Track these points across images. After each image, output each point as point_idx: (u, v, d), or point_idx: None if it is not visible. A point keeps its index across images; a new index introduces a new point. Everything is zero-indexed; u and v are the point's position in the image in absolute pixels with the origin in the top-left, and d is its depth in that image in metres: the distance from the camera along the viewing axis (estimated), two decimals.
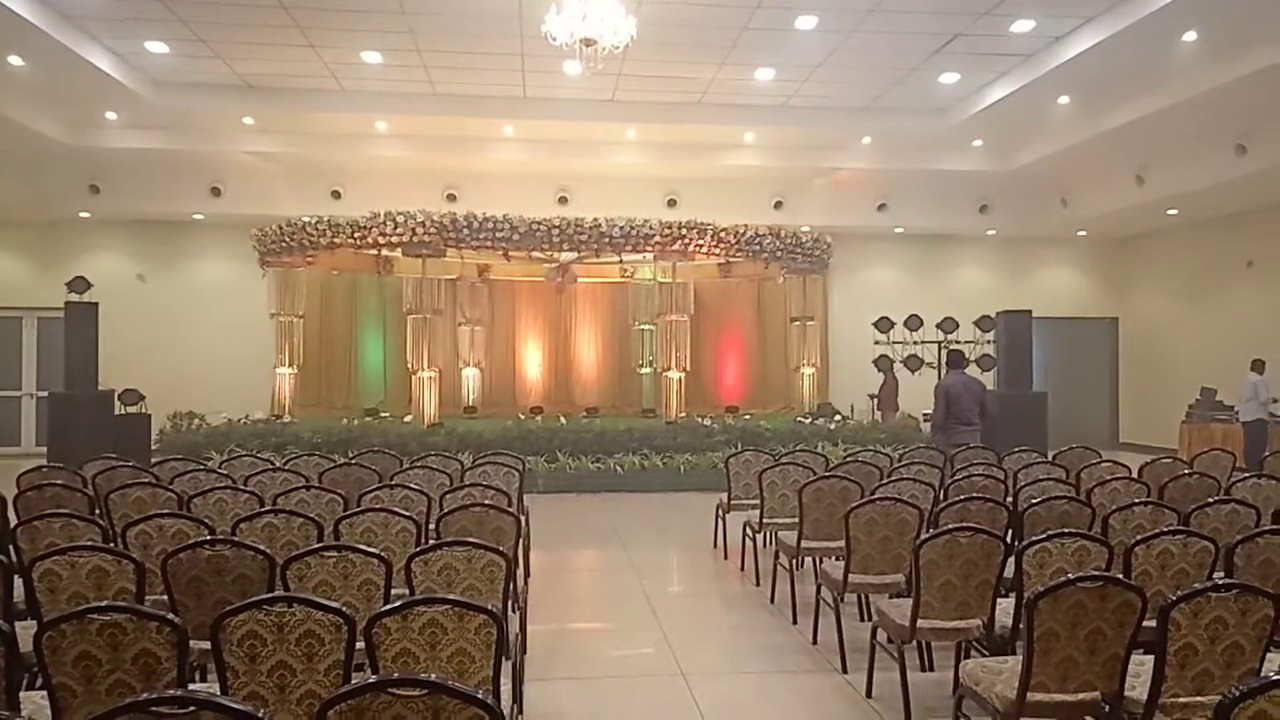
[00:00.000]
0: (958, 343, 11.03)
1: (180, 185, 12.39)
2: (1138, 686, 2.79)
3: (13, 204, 12.15)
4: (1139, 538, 3.36)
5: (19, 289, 13.40)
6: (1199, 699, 2.63)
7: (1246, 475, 5.24)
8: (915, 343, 11.90)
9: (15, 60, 8.72)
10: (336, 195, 12.70)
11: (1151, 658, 2.67)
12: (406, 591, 3.01)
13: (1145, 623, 2.77)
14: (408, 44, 9.13)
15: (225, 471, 5.71)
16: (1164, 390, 13.66)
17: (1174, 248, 14.03)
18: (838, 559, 4.53)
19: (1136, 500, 4.36)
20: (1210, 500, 4.30)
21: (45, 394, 11.86)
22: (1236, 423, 10.63)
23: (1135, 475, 5.41)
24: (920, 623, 3.52)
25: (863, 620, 4.80)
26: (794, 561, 5.33)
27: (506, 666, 2.85)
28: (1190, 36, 7.99)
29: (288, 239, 11.37)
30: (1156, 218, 13.12)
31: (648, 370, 13.85)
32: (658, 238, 11.22)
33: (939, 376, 10.56)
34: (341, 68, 9.90)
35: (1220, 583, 2.68)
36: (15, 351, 13.61)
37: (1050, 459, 6.56)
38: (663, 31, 8.54)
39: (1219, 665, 2.63)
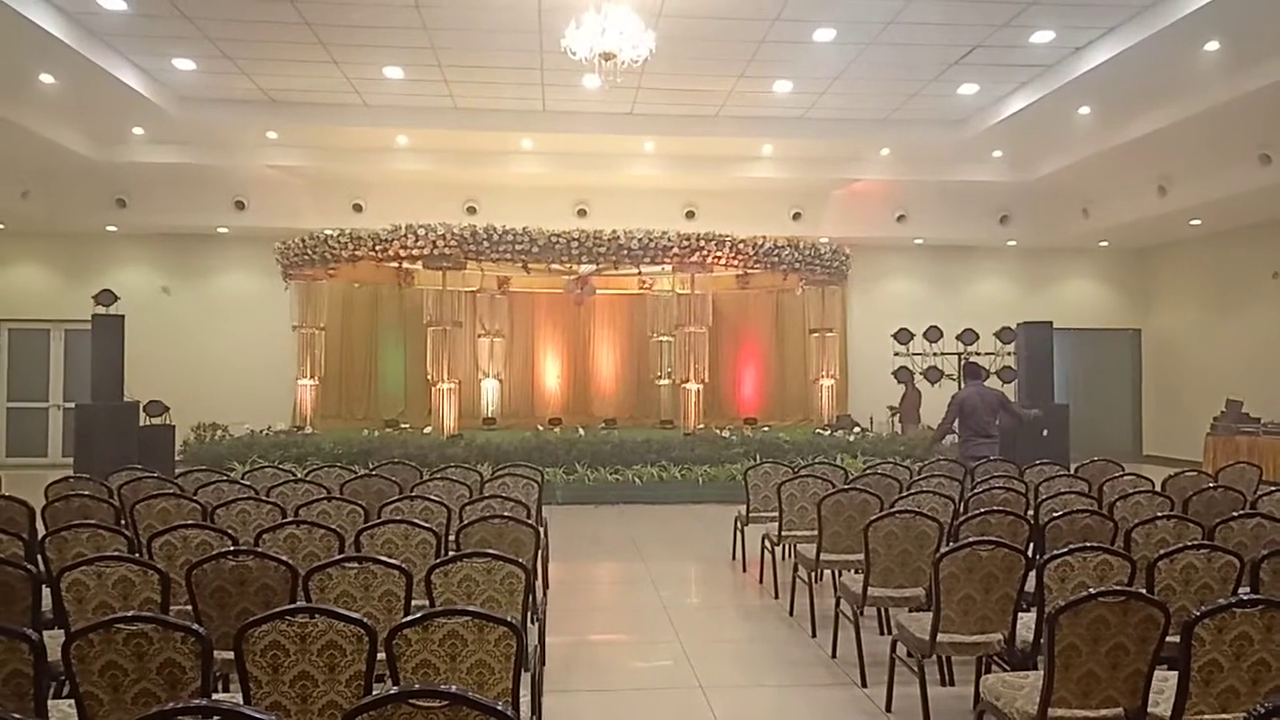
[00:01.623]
0: (977, 354, 10.95)
1: (205, 199, 12.58)
2: (1161, 703, 2.76)
3: (41, 217, 12.38)
4: (1162, 552, 3.33)
5: (46, 302, 13.63)
6: (1224, 716, 2.60)
7: (1273, 489, 5.17)
8: (935, 354, 11.82)
9: (45, 77, 8.92)
10: (358, 208, 12.83)
11: (1175, 674, 2.64)
12: (427, 603, 3.03)
13: (1168, 638, 2.74)
14: (429, 59, 9.25)
15: (248, 483, 5.78)
16: (1188, 402, 13.47)
17: (1197, 258, 13.87)
18: (857, 572, 4.51)
19: (1160, 514, 4.31)
20: (1235, 514, 4.25)
21: (72, 405, 12.03)
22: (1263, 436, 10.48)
23: (1158, 488, 5.35)
24: (940, 637, 3.50)
25: (882, 634, 4.77)
26: (813, 574, 5.31)
27: (526, 678, 2.86)
28: (1212, 46, 7.92)
29: (310, 252, 11.50)
30: (1179, 228, 12.99)
31: (666, 382, 13.86)
32: (676, 249, 11.24)
33: (959, 389, 10.51)
34: (364, 83, 10.03)
35: (1245, 598, 2.64)
36: (43, 363, 13.82)
37: (1072, 472, 6.49)
38: (681, 45, 8.59)
39: (1244, 682, 2.60)
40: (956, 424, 7.56)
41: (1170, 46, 7.95)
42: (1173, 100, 9.28)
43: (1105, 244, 14.57)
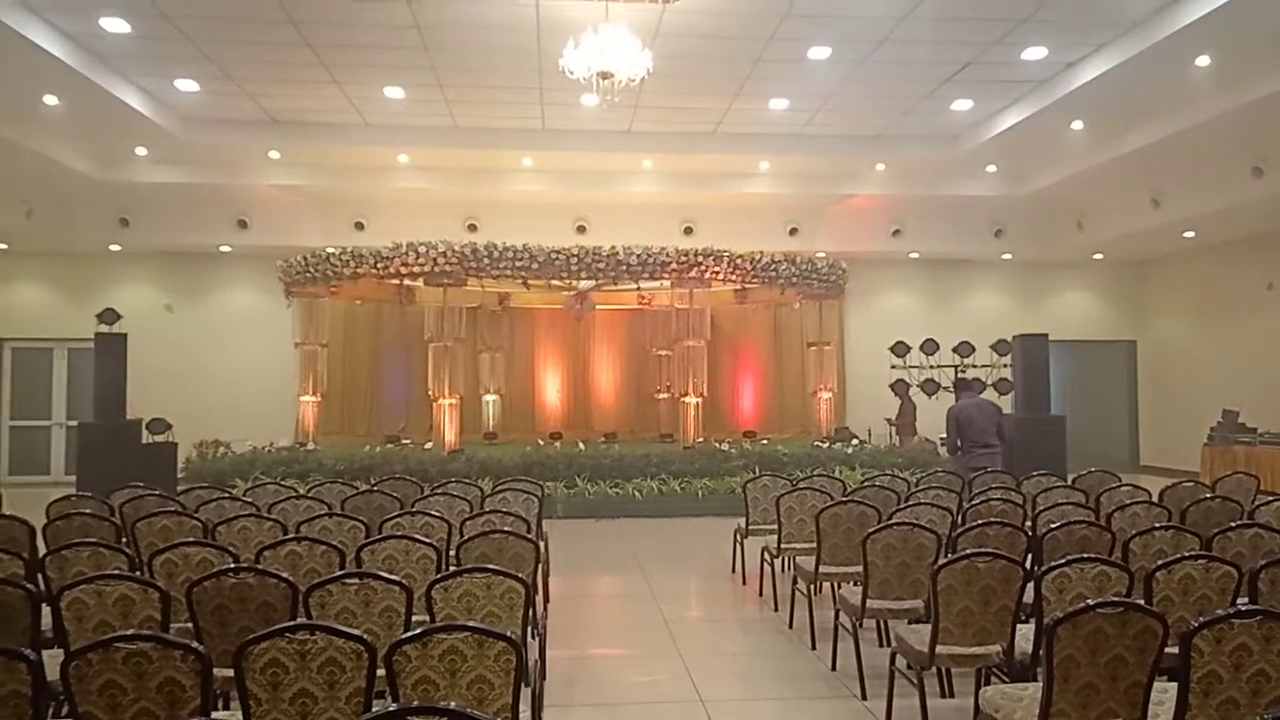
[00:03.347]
0: (974, 366, 10.97)
1: (208, 218, 12.65)
2: (1161, 714, 2.76)
3: (45, 237, 12.44)
4: (1160, 563, 3.33)
5: (50, 320, 13.67)
6: None
7: (1270, 499, 5.18)
8: (932, 367, 11.86)
9: (49, 99, 9.00)
10: (360, 226, 12.90)
11: (1174, 685, 2.64)
12: (427, 618, 3.04)
13: (1167, 649, 2.74)
14: (429, 80, 9.33)
15: (250, 499, 5.79)
16: (1184, 413, 13.49)
17: (1192, 270, 13.93)
18: (856, 584, 4.51)
19: (1157, 525, 4.32)
20: (1233, 524, 4.25)
21: (74, 423, 12.04)
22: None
23: (1156, 499, 5.37)
24: (939, 649, 3.50)
25: (881, 646, 4.78)
26: (812, 587, 5.31)
27: (526, 693, 2.86)
28: (1204, 61, 7.99)
29: (312, 270, 11.55)
30: (1173, 241, 13.05)
31: (666, 395, 13.89)
32: (674, 265, 11.29)
33: (956, 401, 10.54)
34: (365, 103, 10.12)
35: (1244, 609, 2.65)
36: (46, 382, 13.85)
37: (1069, 483, 6.51)
38: (678, 64, 8.67)
39: (1244, 693, 2.60)
40: (962, 436, 7.51)
41: (1162, 62, 8.02)
42: (1165, 114, 9.35)
43: (1100, 257, 14.63)
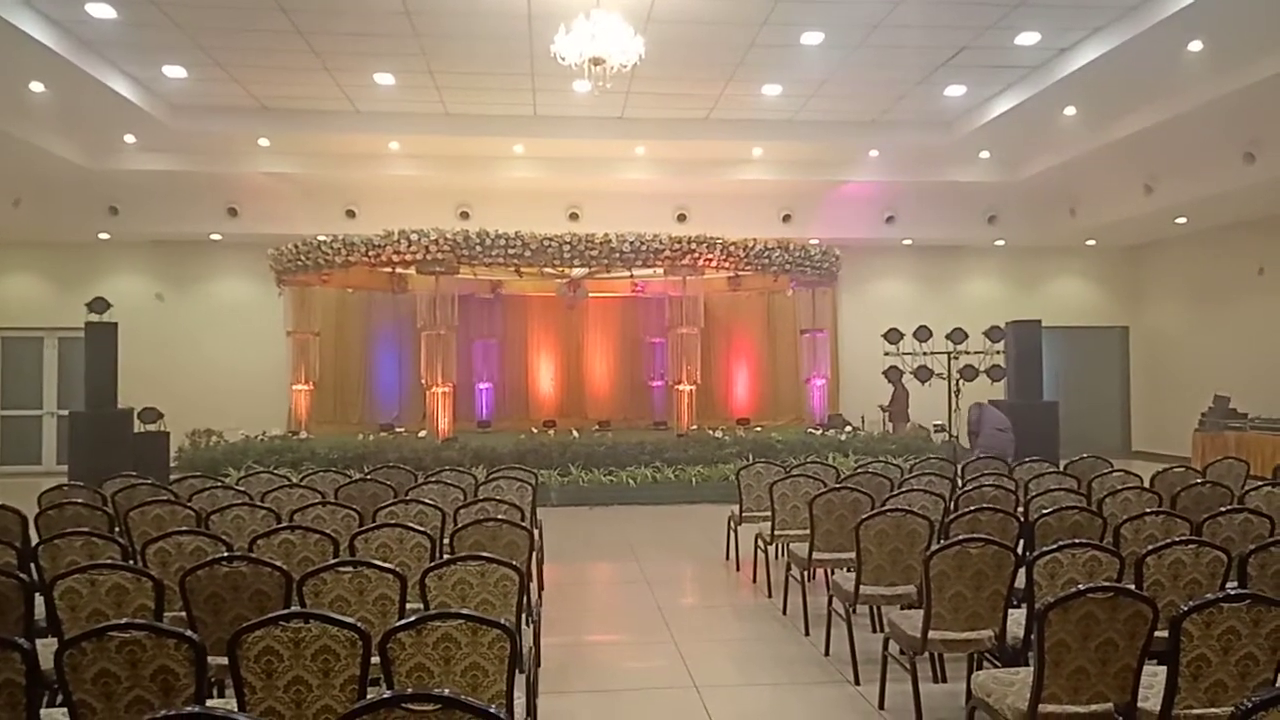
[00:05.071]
0: (966, 353, 11.02)
1: (198, 206, 12.57)
2: (1151, 698, 2.78)
3: (34, 226, 12.34)
4: (1150, 548, 3.36)
5: (40, 310, 13.60)
6: (1213, 710, 2.63)
7: (1260, 484, 5.22)
8: (925, 354, 11.88)
9: (36, 86, 8.90)
10: (351, 214, 12.84)
11: (1164, 668, 2.67)
12: (421, 606, 3.04)
13: (1157, 633, 2.77)
14: (420, 66, 9.26)
15: (243, 488, 5.78)
16: (1176, 398, 13.57)
17: (1184, 256, 13.98)
18: (849, 570, 4.53)
19: (1148, 510, 4.35)
20: (1223, 509, 4.28)
21: (66, 413, 12.01)
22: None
23: (1147, 485, 5.40)
24: (931, 634, 3.53)
25: (875, 631, 4.80)
26: (806, 573, 5.34)
27: (520, 680, 2.87)
28: (1196, 46, 7.99)
29: (303, 258, 11.51)
30: (1166, 226, 13.08)
31: (660, 383, 13.90)
32: (667, 252, 11.28)
33: (949, 387, 10.68)
34: (355, 90, 10.04)
35: (1233, 593, 2.67)
36: (36, 371, 13.79)
37: (1061, 469, 6.54)
38: (670, 50, 8.62)
39: (1233, 676, 2.63)
40: (980, 423, 8.94)
41: (1155, 47, 8.01)
42: (1158, 100, 9.35)
43: (1093, 242, 14.66)
